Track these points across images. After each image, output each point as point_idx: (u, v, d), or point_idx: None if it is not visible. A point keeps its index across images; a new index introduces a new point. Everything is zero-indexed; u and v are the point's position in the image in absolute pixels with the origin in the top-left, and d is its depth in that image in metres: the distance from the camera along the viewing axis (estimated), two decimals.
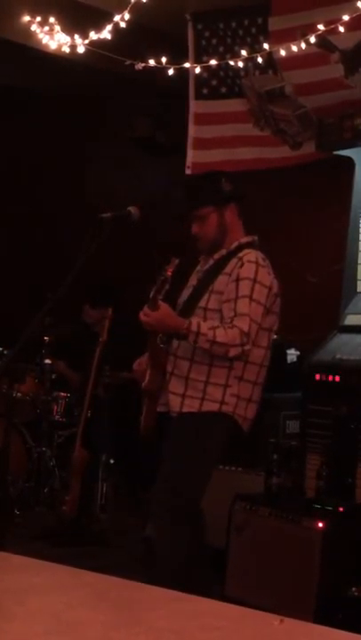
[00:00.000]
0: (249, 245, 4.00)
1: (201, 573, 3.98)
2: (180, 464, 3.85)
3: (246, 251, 3.93)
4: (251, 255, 3.90)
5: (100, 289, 6.35)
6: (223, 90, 5.68)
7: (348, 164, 5.12)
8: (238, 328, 3.74)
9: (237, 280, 3.84)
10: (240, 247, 3.98)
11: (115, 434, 6.11)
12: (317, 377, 4.65)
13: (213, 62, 5.31)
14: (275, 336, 5.89)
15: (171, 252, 3.84)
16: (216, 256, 4.02)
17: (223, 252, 4.00)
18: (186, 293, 4.08)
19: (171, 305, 3.87)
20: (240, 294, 3.82)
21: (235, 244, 3.99)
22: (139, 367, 4.11)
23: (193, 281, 4.10)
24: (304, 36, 4.74)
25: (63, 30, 5.33)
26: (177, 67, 5.17)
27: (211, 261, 4.04)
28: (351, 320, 4.85)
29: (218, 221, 4.00)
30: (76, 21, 5.42)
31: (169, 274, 3.75)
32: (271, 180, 6.15)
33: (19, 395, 6.10)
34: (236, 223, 4.06)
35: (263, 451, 4.89)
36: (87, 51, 5.25)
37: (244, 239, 4.03)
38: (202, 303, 3.92)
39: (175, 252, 3.83)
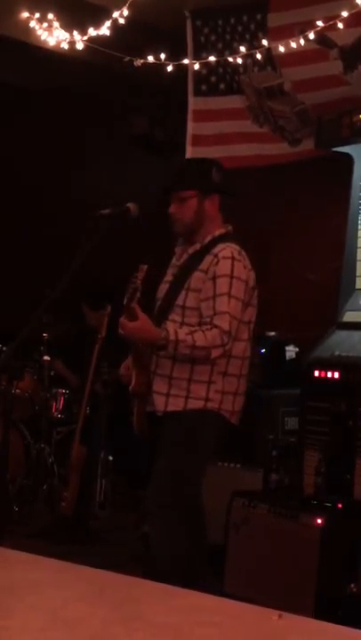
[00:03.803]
0: (223, 238, 3.95)
1: (200, 571, 3.98)
2: (172, 464, 3.85)
3: (221, 246, 3.89)
4: (226, 251, 3.86)
5: (99, 291, 6.34)
6: (222, 86, 5.67)
7: (347, 160, 5.12)
8: (219, 328, 3.73)
9: (214, 278, 3.82)
10: (214, 241, 3.94)
11: (113, 430, 6.11)
12: (316, 374, 4.65)
13: (212, 59, 5.30)
14: (272, 333, 5.94)
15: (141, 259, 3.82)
16: (190, 250, 3.99)
17: (197, 246, 3.97)
18: (163, 289, 4.05)
19: (149, 304, 3.86)
20: (218, 292, 3.79)
21: (208, 238, 3.95)
22: (126, 371, 4.09)
23: (169, 276, 4.07)
24: (303, 33, 4.73)
25: (62, 27, 5.32)
26: (176, 63, 5.16)
27: (185, 256, 4.01)
28: (350, 317, 4.85)
29: (197, 207, 3.95)
30: (75, 18, 5.42)
31: (139, 282, 3.72)
32: (270, 176, 6.15)
33: (17, 392, 6.09)
34: (215, 215, 4.01)
35: (262, 447, 4.90)
36: (86, 47, 5.25)
37: (218, 231, 3.98)
38: (179, 301, 3.90)
39: (144, 259, 3.80)
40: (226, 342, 3.74)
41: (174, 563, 3.80)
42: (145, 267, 3.75)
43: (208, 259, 3.87)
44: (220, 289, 3.80)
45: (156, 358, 3.90)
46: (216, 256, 3.86)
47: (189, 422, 3.84)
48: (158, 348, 3.80)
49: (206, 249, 3.92)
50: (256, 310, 4.00)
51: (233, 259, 3.85)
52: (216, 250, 3.88)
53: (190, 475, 3.88)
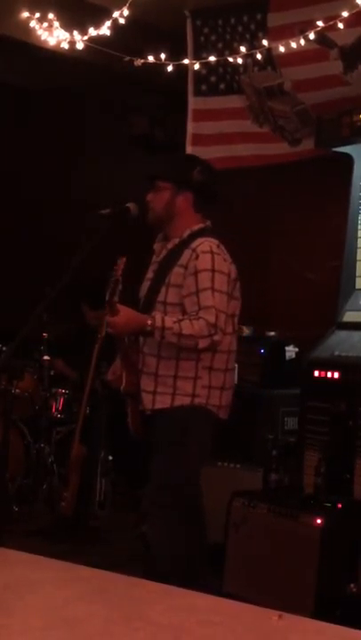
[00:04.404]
0: (201, 233, 3.94)
1: (200, 571, 3.98)
2: (167, 463, 3.84)
3: (199, 240, 3.88)
4: (204, 245, 3.85)
5: (99, 290, 6.34)
6: (222, 86, 5.67)
7: (347, 160, 5.12)
8: (204, 319, 3.71)
9: (195, 273, 3.80)
10: (192, 236, 3.93)
11: (113, 430, 6.11)
12: (316, 373, 4.66)
13: (212, 59, 5.30)
14: (272, 333, 5.94)
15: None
16: (169, 246, 3.98)
17: (176, 240, 3.96)
18: (145, 287, 4.05)
19: (131, 302, 3.86)
20: (201, 287, 3.78)
21: (187, 233, 3.94)
22: (113, 376, 4.09)
23: (150, 274, 4.06)
24: (303, 33, 4.73)
25: (62, 26, 5.31)
26: (176, 63, 5.16)
27: (164, 252, 4.00)
28: (350, 317, 4.85)
29: (168, 200, 3.96)
30: (75, 18, 5.42)
31: (119, 274, 3.73)
32: (270, 176, 6.15)
33: (17, 391, 6.08)
34: (188, 212, 3.98)
35: (261, 447, 4.90)
36: (86, 47, 5.25)
37: (196, 226, 3.97)
38: (160, 297, 3.89)
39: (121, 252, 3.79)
40: (213, 333, 3.71)
41: (174, 563, 3.80)
42: (123, 259, 3.75)
43: (187, 253, 3.86)
44: (202, 283, 3.78)
45: (142, 357, 3.89)
46: (195, 250, 3.84)
47: (179, 420, 3.82)
48: (145, 335, 3.79)
49: (184, 243, 3.92)
50: (240, 303, 4.00)
51: (212, 252, 3.83)
52: (194, 244, 3.87)
53: (186, 473, 3.87)
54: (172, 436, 3.85)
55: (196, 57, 5.47)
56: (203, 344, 3.72)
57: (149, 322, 3.72)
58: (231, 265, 3.91)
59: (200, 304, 3.76)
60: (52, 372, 6.41)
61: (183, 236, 3.94)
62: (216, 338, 3.74)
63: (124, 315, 3.76)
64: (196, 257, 3.82)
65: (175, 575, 3.62)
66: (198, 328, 3.70)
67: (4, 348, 5.99)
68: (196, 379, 3.83)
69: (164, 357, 3.83)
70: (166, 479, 3.84)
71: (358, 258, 4.93)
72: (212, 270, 3.80)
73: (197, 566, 3.95)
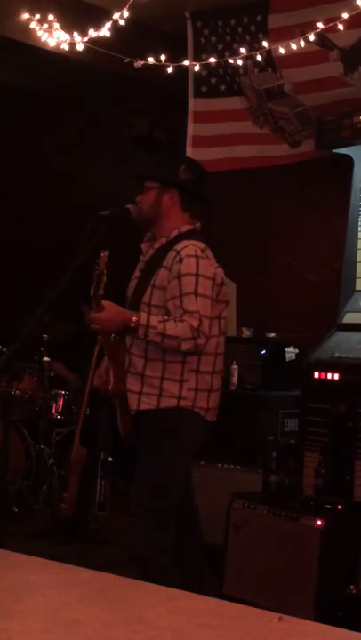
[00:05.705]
0: (189, 235, 3.90)
1: (199, 572, 3.97)
2: (151, 464, 3.82)
3: (184, 243, 3.83)
4: (189, 249, 3.80)
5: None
6: (222, 88, 5.68)
7: (347, 162, 5.13)
8: (188, 322, 3.68)
9: (179, 277, 3.76)
10: (179, 237, 3.89)
11: (113, 431, 6.10)
12: (316, 375, 4.65)
13: (212, 60, 5.31)
14: (272, 334, 5.94)
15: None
16: (156, 245, 3.95)
17: (163, 240, 3.92)
18: (131, 287, 4.03)
19: (119, 300, 3.85)
20: (184, 291, 3.74)
21: (175, 233, 3.91)
22: (99, 380, 4.06)
23: (137, 273, 4.04)
24: (303, 34, 4.73)
25: (62, 28, 5.32)
26: (176, 64, 5.17)
27: (151, 251, 3.97)
28: (350, 318, 4.85)
29: (154, 200, 3.92)
30: (76, 19, 5.42)
31: (103, 267, 3.68)
32: (270, 177, 6.15)
33: (17, 393, 6.08)
34: (175, 211, 3.94)
35: (261, 449, 4.90)
36: (86, 48, 5.25)
37: (185, 227, 3.93)
38: (145, 299, 3.86)
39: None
40: (196, 337, 3.68)
41: (162, 565, 3.76)
42: (106, 252, 3.69)
43: (171, 254, 3.82)
44: (186, 288, 3.74)
45: (129, 356, 3.87)
46: (179, 253, 3.80)
47: (165, 422, 3.80)
48: (129, 331, 3.76)
49: (170, 244, 3.88)
50: (228, 306, 3.97)
51: (196, 257, 3.79)
52: (179, 246, 3.82)
53: (171, 474, 3.83)
54: (159, 437, 3.82)
55: (197, 58, 5.48)
56: (186, 346, 3.69)
57: (134, 318, 3.69)
58: (217, 269, 3.87)
59: (183, 308, 3.73)
60: (52, 374, 6.41)
61: (170, 237, 3.90)
62: (199, 341, 3.70)
63: (109, 310, 3.73)
64: (180, 260, 3.78)
65: (163, 577, 3.58)
66: (182, 330, 3.67)
67: (4, 350, 5.99)
68: (182, 381, 3.80)
69: (151, 359, 3.80)
70: (151, 481, 3.80)
71: (359, 259, 4.93)
72: (196, 274, 3.76)
73: (196, 567, 3.94)
